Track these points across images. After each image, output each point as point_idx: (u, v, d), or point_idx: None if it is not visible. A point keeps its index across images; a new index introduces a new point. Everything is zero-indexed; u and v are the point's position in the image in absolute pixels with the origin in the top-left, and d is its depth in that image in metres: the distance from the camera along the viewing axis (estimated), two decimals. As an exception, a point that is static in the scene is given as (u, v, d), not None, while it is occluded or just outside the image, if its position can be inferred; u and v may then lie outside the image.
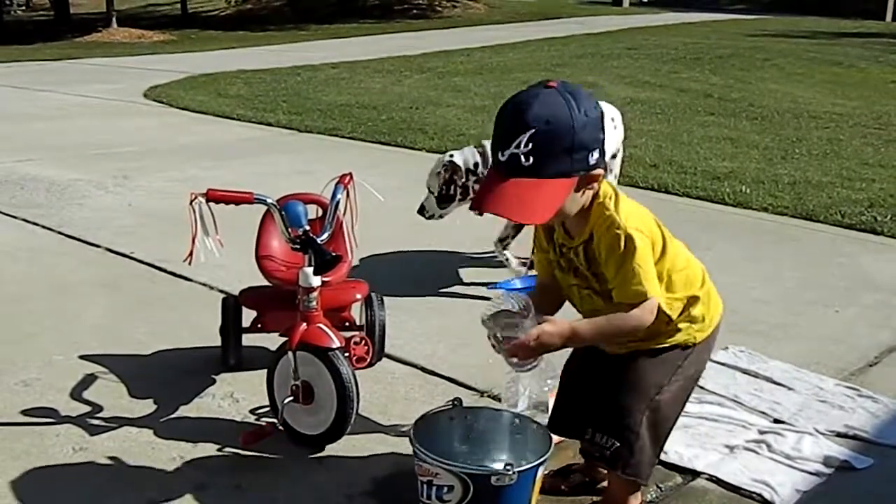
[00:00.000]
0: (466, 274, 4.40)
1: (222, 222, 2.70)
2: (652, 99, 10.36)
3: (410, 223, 4.38)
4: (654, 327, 2.19)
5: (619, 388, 2.31)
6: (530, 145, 2.01)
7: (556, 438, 2.59)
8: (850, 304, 4.10)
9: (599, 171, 2.10)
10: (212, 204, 2.62)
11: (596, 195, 2.16)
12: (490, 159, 2.15)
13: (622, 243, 2.10)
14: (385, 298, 3.43)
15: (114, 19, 22.27)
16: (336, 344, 2.69)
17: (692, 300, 2.27)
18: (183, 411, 3.00)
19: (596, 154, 2.07)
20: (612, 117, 4.02)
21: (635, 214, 2.17)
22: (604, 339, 2.27)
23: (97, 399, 3.07)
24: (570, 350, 2.48)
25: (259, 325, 3.27)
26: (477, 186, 3.93)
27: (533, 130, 2.00)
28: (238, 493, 2.54)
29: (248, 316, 3.29)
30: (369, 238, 4.03)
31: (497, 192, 2.06)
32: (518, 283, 2.91)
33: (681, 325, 2.27)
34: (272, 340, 3.06)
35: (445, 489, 2.28)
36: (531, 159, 2.02)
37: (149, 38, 21.07)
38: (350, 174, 3.01)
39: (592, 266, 2.21)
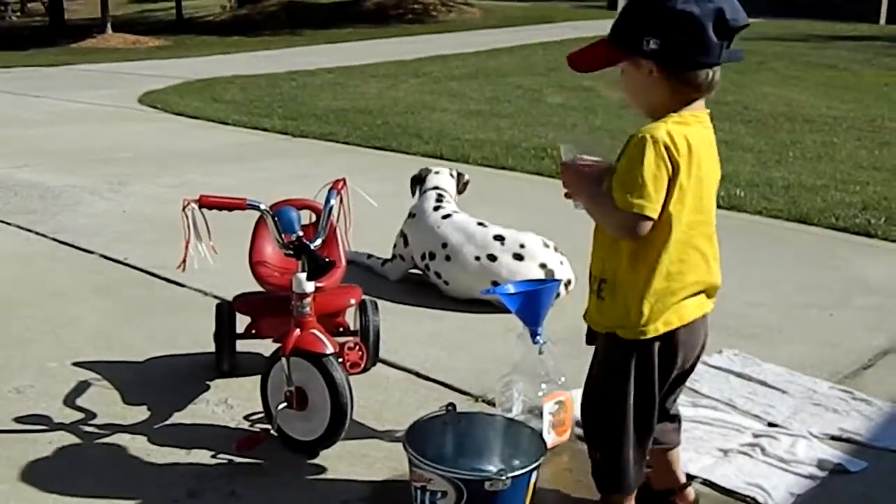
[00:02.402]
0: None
1: (216, 228, 2.70)
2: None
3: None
4: (625, 270, 2.12)
5: (594, 401, 2.30)
6: (622, 10, 2.12)
7: (549, 443, 2.60)
8: (844, 307, 4.11)
9: (651, 64, 2.04)
10: (205, 210, 2.61)
11: (676, 110, 2.09)
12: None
13: (637, 144, 2.03)
14: (379, 303, 3.43)
15: (109, 25, 22.25)
16: (330, 349, 2.69)
17: (662, 281, 2.11)
18: (177, 417, 3.00)
19: (652, 43, 2.02)
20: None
21: (684, 127, 2.07)
22: (594, 211, 2.16)
23: (91, 406, 3.07)
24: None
25: (253, 331, 3.27)
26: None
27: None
28: (233, 499, 2.54)
29: (242, 322, 3.29)
30: (363, 243, 4.05)
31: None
32: (512, 289, 2.91)
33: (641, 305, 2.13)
34: (266, 346, 3.05)
35: (439, 494, 2.28)
36: (615, 22, 2.13)
37: (144, 43, 21.07)
38: (343, 179, 3.02)
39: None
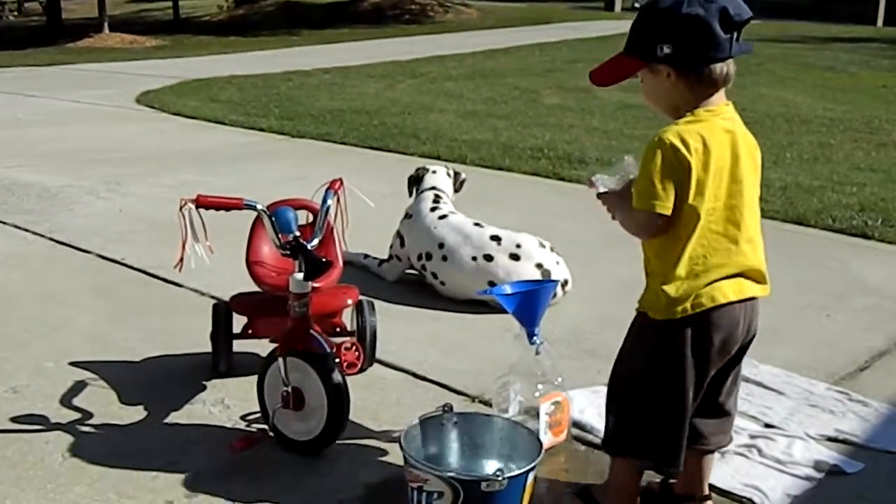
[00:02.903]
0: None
1: (213, 228, 2.70)
2: (644, 104, 10.35)
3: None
4: (656, 263, 2.24)
5: (617, 371, 2.39)
6: (633, 24, 2.25)
7: (546, 444, 2.60)
8: (841, 308, 4.11)
9: (667, 67, 2.17)
10: (202, 210, 2.61)
11: (695, 107, 2.19)
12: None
13: (652, 150, 2.15)
14: (376, 304, 3.43)
15: (106, 25, 22.23)
16: (327, 350, 2.69)
17: (684, 267, 2.19)
18: (174, 418, 2.99)
19: (666, 48, 2.15)
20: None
21: (699, 125, 2.17)
22: (622, 219, 2.29)
23: (87, 406, 3.06)
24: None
25: (250, 331, 3.26)
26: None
27: (637, 12, 2.28)
28: (229, 499, 2.53)
29: (238, 322, 3.29)
30: (360, 243, 4.04)
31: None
32: (509, 289, 2.91)
33: (665, 288, 2.22)
34: (263, 347, 3.05)
35: (435, 495, 2.28)
36: (629, 35, 2.26)
37: (141, 43, 21.06)
38: (340, 179, 3.01)
39: None
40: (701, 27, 2.11)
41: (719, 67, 2.17)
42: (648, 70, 2.21)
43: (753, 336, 2.34)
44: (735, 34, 2.14)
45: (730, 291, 2.22)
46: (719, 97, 2.22)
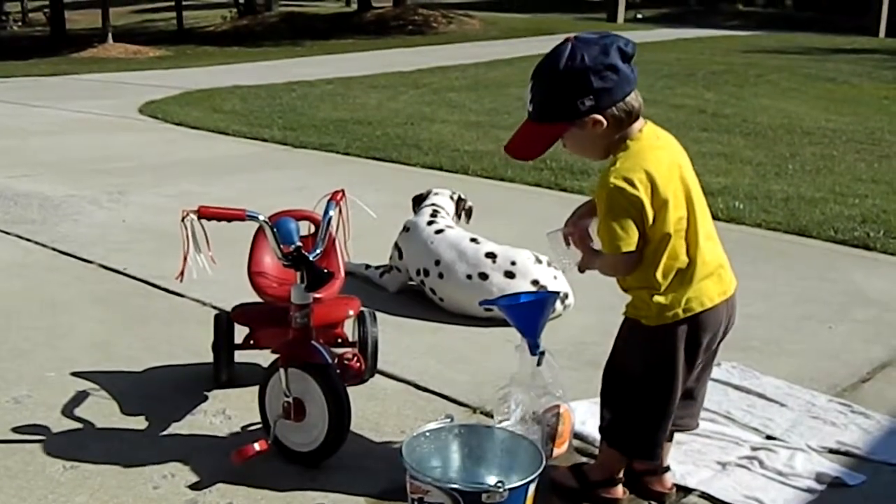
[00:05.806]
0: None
1: (215, 238, 2.70)
2: (646, 115, 10.36)
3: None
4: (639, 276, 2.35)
5: (612, 371, 2.51)
6: (531, 95, 2.33)
7: (547, 455, 2.59)
8: (843, 319, 4.11)
9: (594, 117, 2.26)
10: (204, 221, 2.62)
11: (623, 141, 2.31)
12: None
13: (604, 196, 2.27)
14: (378, 315, 3.43)
15: (109, 35, 22.34)
16: (328, 360, 2.69)
17: (669, 277, 2.33)
18: (175, 428, 2.99)
19: (587, 101, 2.24)
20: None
21: (635, 158, 2.28)
22: (602, 269, 2.43)
23: (89, 416, 3.06)
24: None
25: (251, 342, 3.26)
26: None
27: (532, 82, 2.33)
28: (229, 510, 2.53)
29: (240, 332, 3.29)
30: (362, 254, 4.05)
31: (514, 134, 2.41)
32: (510, 300, 2.92)
33: (655, 299, 2.34)
34: (264, 357, 3.05)
35: (436, 506, 2.28)
36: (531, 106, 2.34)
37: (144, 53, 21.15)
38: (342, 191, 3.02)
39: None
40: (611, 69, 2.24)
41: (634, 98, 2.30)
42: (574, 126, 2.30)
43: (728, 328, 2.50)
44: (630, 64, 2.29)
45: (714, 294, 2.38)
46: (638, 124, 2.34)
